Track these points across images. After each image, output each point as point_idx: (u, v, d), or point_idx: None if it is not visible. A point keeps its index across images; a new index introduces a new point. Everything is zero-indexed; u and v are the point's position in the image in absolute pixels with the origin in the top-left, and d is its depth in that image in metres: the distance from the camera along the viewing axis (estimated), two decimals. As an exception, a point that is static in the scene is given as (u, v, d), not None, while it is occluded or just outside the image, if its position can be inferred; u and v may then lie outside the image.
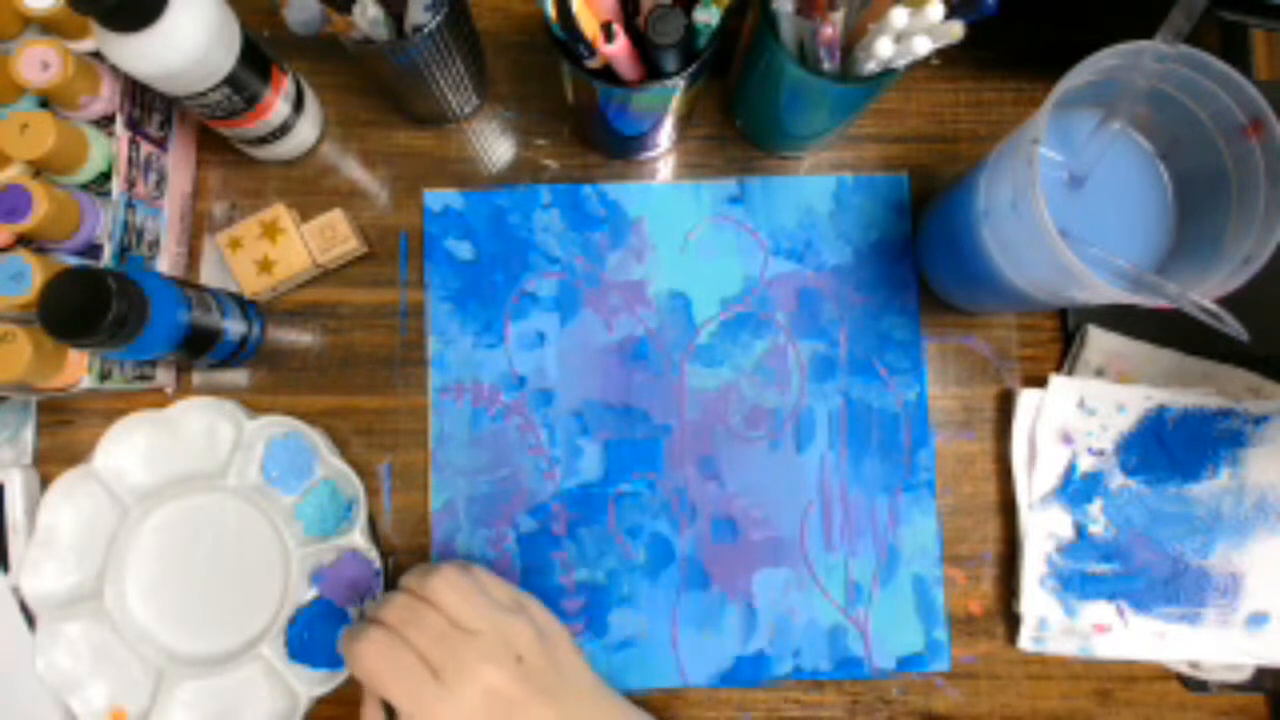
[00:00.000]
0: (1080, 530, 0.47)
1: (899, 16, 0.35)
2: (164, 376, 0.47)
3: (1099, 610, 0.46)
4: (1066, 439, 0.47)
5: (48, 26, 0.42)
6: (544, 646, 0.37)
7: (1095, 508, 0.47)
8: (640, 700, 0.46)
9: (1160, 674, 0.47)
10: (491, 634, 0.36)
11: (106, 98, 0.43)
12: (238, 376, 0.49)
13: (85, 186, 0.43)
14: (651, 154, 0.50)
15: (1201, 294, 0.34)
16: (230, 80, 0.40)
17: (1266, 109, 0.34)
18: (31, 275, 0.38)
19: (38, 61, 0.40)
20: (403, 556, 0.47)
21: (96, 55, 0.42)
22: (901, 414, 0.48)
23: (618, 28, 0.36)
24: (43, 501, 0.45)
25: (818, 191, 0.50)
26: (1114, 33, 0.35)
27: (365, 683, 0.35)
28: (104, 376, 0.42)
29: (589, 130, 0.48)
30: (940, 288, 0.48)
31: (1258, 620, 0.46)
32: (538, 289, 0.49)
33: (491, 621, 0.36)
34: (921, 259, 0.49)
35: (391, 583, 0.47)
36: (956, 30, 0.35)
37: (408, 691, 0.34)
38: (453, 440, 0.48)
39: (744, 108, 0.48)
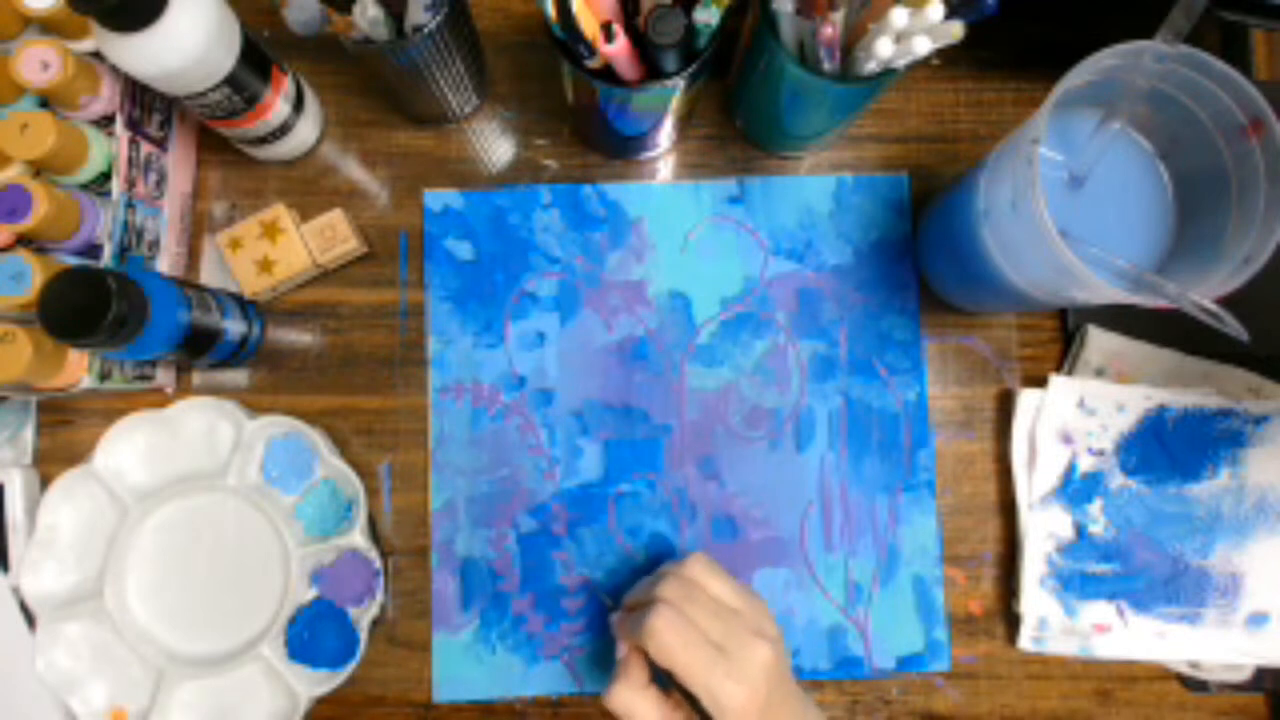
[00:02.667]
0: (1080, 530, 0.47)
1: (899, 16, 0.35)
2: (164, 376, 0.47)
3: (1099, 610, 0.46)
4: (1066, 439, 0.47)
5: (48, 26, 0.42)
6: (777, 628, 0.40)
7: (1095, 508, 0.47)
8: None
9: (1160, 674, 0.47)
10: (749, 613, 0.38)
11: (106, 98, 0.43)
12: (238, 376, 0.49)
13: (85, 186, 0.43)
14: (651, 154, 0.50)
15: (1201, 294, 0.34)
16: (230, 80, 0.40)
17: (1266, 109, 0.34)
18: (31, 275, 0.38)
19: (38, 61, 0.40)
20: (403, 557, 0.47)
21: (96, 55, 0.42)
22: (901, 414, 0.48)
23: (618, 28, 0.36)
24: (43, 501, 0.45)
25: (818, 191, 0.50)
26: (1114, 33, 0.35)
27: (659, 656, 0.36)
28: (104, 376, 0.42)
29: (589, 130, 0.48)
30: (940, 288, 0.48)
31: (1258, 620, 0.46)
32: (538, 289, 0.49)
33: (747, 601, 0.39)
34: (921, 259, 0.49)
35: (391, 583, 0.47)
36: (956, 30, 0.35)
37: (702, 663, 0.35)
38: (453, 440, 0.48)
39: (744, 108, 0.48)
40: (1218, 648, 0.46)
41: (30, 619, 0.45)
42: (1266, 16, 0.42)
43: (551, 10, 0.36)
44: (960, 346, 0.49)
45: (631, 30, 0.39)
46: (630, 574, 0.47)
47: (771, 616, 0.40)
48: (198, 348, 0.42)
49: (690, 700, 0.36)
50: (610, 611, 0.44)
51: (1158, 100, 0.37)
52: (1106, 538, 0.46)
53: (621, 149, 0.49)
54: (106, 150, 0.43)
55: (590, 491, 0.48)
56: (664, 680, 0.38)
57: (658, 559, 0.47)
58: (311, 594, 0.45)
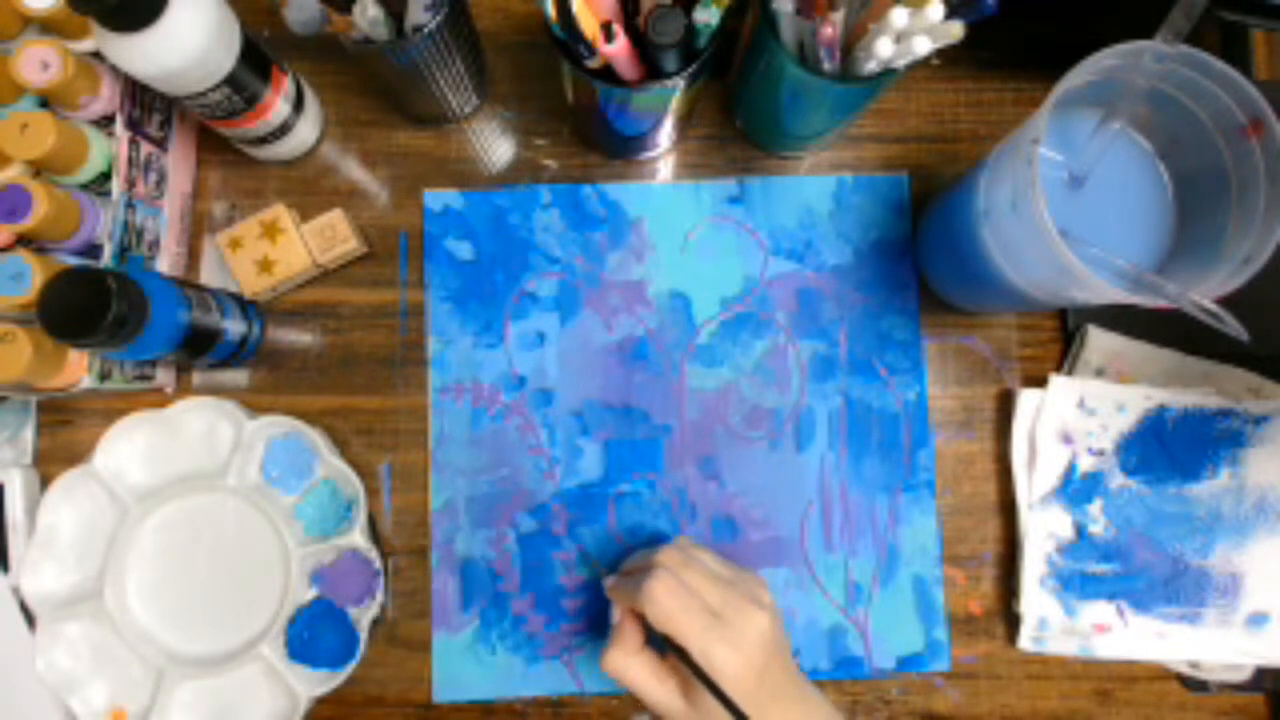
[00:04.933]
0: (1080, 530, 0.47)
1: (899, 16, 0.35)
2: (164, 376, 0.47)
3: (1099, 610, 0.46)
4: (1066, 439, 0.47)
5: (48, 26, 0.42)
6: (772, 599, 0.40)
7: (1095, 508, 0.47)
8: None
9: (1160, 674, 0.47)
10: (744, 584, 0.39)
11: (106, 98, 0.43)
12: (238, 376, 0.49)
13: (85, 186, 0.43)
14: (651, 154, 0.50)
15: (1201, 294, 0.34)
16: (230, 80, 0.40)
17: (1266, 109, 0.34)
18: (31, 275, 0.38)
19: (38, 61, 0.40)
20: (403, 557, 0.47)
21: (96, 55, 0.42)
22: (901, 414, 0.48)
23: (618, 28, 0.36)
24: (43, 501, 0.45)
25: (818, 191, 0.50)
26: (1114, 33, 0.35)
27: (657, 619, 0.36)
28: (104, 376, 0.42)
29: (589, 130, 0.48)
30: (940, 288, 0.48)
31: (1258, 620, 0.46)
32: (538, 289, 0.49)
33: (739, 573, 0.40)
34: (921, 259, 0.49)
35: (392, 583, 0.47)
36: (956, 30, 0.35)
37: (699, 628, 0.35)
38: (453, 440, 0.48)
39: (744, 108, 0.48)
40: (1218, 648, 0.46)
41: (30, 619, 0.45)
42: (1266, 16, 0.42)
43: (551, 10, 0.36)
44: (960, 346, 0.49)
45: (631, 30, 0.39)
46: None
47: (767, 588, 0.40)
48: (198, 348, 0.42)
49: (686, 664, 0.36)
50: (604, 577, 0.44)
51: (1158, 100, 0.37)
52: (1106, 538, 0.46)
53: (621, 149, 0.49)
54: (106, 150, 0.43)
55: (590, 491, 0.48)
56: (659, 644, 0.38)
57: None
58: (311, 594, 0.45)
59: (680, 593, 0.36)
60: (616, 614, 0.40)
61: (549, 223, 0.49)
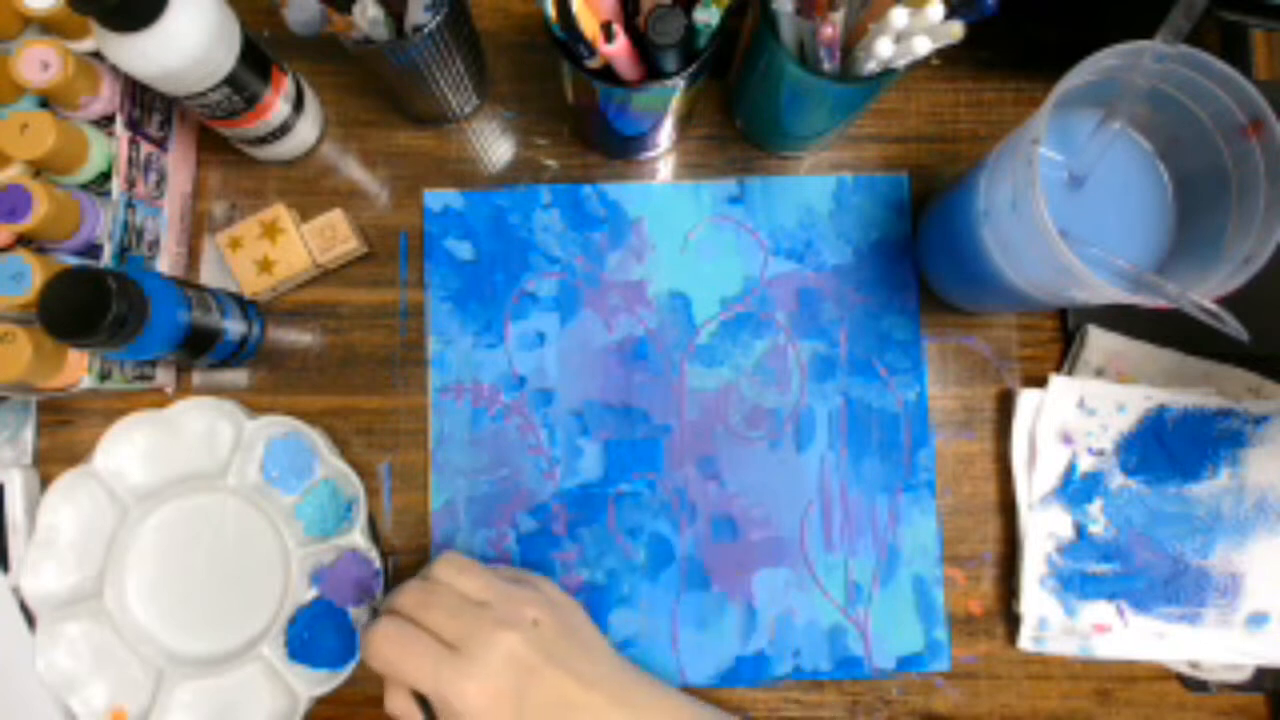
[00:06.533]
0: (1080, 530, 0.47)
1: (899, 16, 0.35)
2: (164, 376, 0.47)
3: (1099, 610, 0.46)
4: (1066, 439, 0.47)
5: (48, 26, 0.42)
6: (556, 614, 0.38)
7: (1095, 508, 0.47)
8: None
9: (1160, 674, 0.47)
10: (502, 603, 0.36)
11: (106, 98, 0.43)
12: (238, 376, 0.49)
13: (85, 186, 0.43)
14: (651, 154, 0.50)
15: (1201, 294, 0.34)
16: (230, 80, 0.40)
17: (1266, 109, 0.34)
18: (31, 275, 0.38)
19: (38, 61, 0.40)
20: (403, 556, 0.47)
21: (96, 55, 0.42)
22: (901, 414, 0.48)
23: (618, 28, 0.36)
24: (43, 501, 0.45)
25: (818, 191, 0.50)
26: (1114, 33, 0.35)
27: (384, 673, 0.34)
28: (104, 376, 0.42)
29: (589, 130, 0.48)
30: (940, 288, 0.48)
31: (1258, 620, 0.46)
32: (538, 289, 0.49)
33: (500, 591, 0.37)
34: (921, 259, 0.49)
35: (392, 583, 0.47)
36: (956, 30, 0.35)
37: (429, 672, 0.34)
38: (453, 440, 0.48)
39: (744, 108, 0.48)
40: (1218, 648, 0.46)
41: (30, 619, 0.45)
42: (1266, 16, 0.42)
43: (551, 10, 0.36)
44: (960, 346, 0.49)
45: (631, 30, 0.39)
46: (630, 574, 0.47)
47: (545, 599, 0.38)
48: (198, 348, 0.42)
49: (426, 711, 0.34)
50: (365, 615, 0.42)
51: (1158, 100, 0.37)
52: (1106, 538, 0.46)
53: (621, 149, 0.49)
54: (106, 150, 0.43)
55: (590, 491, 0.48)
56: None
57: (658, 559, 0.47)
58: (311, 594, 0.45)
59: (401, 638, 0.34)
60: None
61: (549, 223, 0.50)
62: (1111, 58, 0.35)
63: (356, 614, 0.45)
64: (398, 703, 0.36)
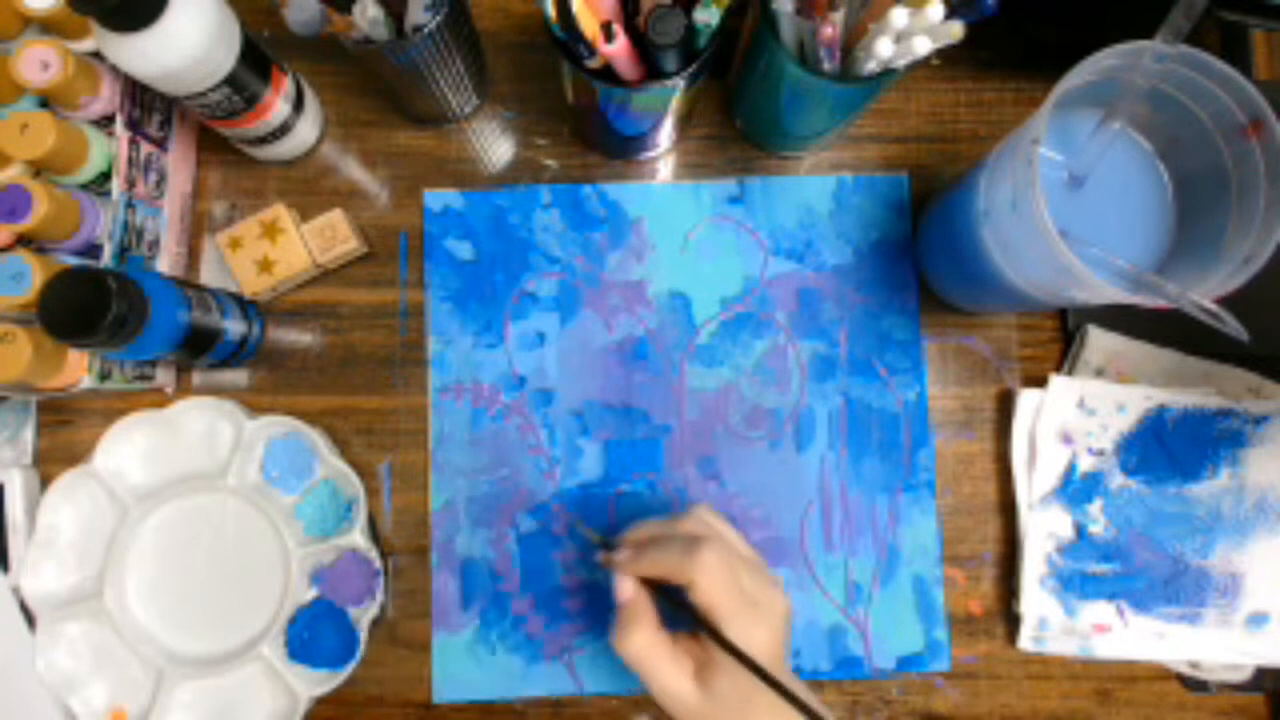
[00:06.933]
0: (1080, 530, 0.47)
1: (899, 16, 0.35)
2: (164, 376, 0.47)
3: (1099, 610, 0.46)
4: (1066, 439, 0.47)
5: (48, 26, 0.42)
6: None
7: (1095, 508, 0.47)
8: (641, 701, 0.46)
9: (1160, 674, 0.47)
10: (759, 563, 0.39)
11: (106, 98, 0.43)
12: (238, 376, 0.49)
13: (85, 186, 0.43)
14: (651, 154, 0.50)
15: (1201, 294, 0.34)
16: (230, 80, 0.40)
17: (1266, 109, 0.34)
18: (31, 275, 0.38)
19: (38, 61, 0.40)
20: (403, 556, 0.47)
21: (96, 55, 0.42)
22: (901, 414, 0.48)
23: (618, 28, 0.36)
24: (43, 501, 0.45)
25: (818, 191, 0.50)
26: (1114, 33, 0.35)
27: (704, 590, 0.35)
28: (104, 376, 0.42)
29: (589, 130, 0.48)
30: (940, 288, 0.48)
31: (1258, 620, 0.46)
32: (538, 289, 0.49)
33: (754, 551, 0.39)
34: (921, 259, 0.49)
35: (392, 583, 0.47)
36: (956, 30, 0.35)
37: (742, 607, 0.35)
38: (453, 440, 0.48)
39: (744, 108, 0.48)
40: (1218, 648, 0.46)
41: (30, 619, 0.45)
42: (1266, 16, 0.42)
43: (551, 10, 0.36)
44: (960, 346, 0.49)
45: (631, 30, 0.39)
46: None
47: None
48: (198, 348, 0.42)
49: (720, 643, 0.34)
50: (600, 548, 0.41)
51: (1158, 100, 0.37)
52: (1106, 538, 0.46)
53: (621, 149, 0.49)
54: (106, 150, 0.43)
55: (590, 491, 0.48)
56: (670, 623, 0.37)
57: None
58: (311, 594, 0.45)
59: (729, 567, 0.35)
60: (626, 590, 0.37)
61: (549, 223, 0.49)
62: (1111, 58, 0.35)
63: (356, 614, 0.45)
64: (639, 641, 0.36)
